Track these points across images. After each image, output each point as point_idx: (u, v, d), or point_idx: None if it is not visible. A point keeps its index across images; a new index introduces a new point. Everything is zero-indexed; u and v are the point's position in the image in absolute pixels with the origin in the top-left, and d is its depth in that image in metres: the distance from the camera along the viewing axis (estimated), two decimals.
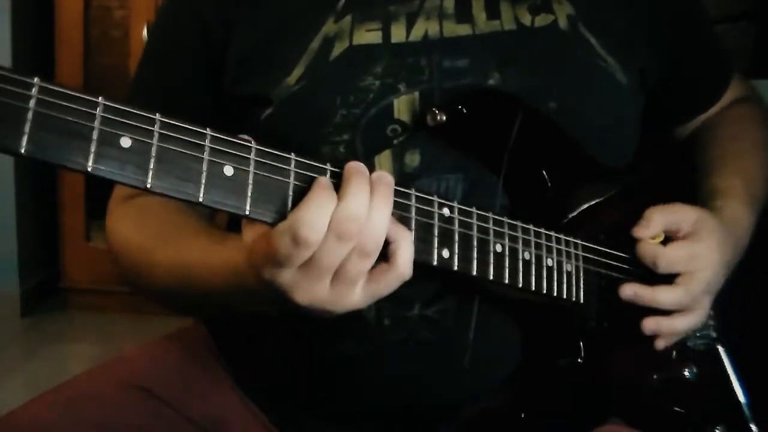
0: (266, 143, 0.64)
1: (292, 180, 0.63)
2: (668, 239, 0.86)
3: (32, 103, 0.53)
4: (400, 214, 0.68)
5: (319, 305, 0.66)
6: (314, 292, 0.65)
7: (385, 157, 0.81)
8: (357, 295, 0.66)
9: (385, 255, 0.66)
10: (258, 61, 0.85)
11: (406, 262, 0.66)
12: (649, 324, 0.84)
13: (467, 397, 0.85)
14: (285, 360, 0.90)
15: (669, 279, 0.85)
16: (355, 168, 0.65)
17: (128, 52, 2.79)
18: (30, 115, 0.53)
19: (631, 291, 0.84)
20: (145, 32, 2.70)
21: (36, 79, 0.53)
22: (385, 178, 0.65)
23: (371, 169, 0.80)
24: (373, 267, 0.65)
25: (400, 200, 0.69)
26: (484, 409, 0.85)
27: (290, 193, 0.63)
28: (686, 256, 0.84)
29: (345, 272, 0.64)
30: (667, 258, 0.84)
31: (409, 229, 0.69)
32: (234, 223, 0.97)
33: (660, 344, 0.86)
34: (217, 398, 0.93)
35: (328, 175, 0.64)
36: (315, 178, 0.64)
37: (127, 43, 2.81)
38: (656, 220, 0.85)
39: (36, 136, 0.53)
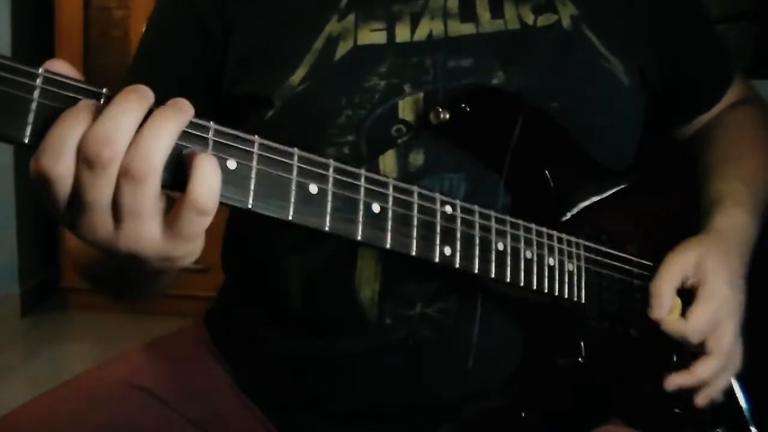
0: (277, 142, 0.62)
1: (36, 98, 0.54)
2: (681, 292, 0.86)
3: (36, 93, 0.53)
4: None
5: (114, 245, 0.57)
6: (96, 229, 0.56)
7: (389, 157, 0.81)
8: (156, 233, 0.57)
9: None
10: (259, 60, 0.85)
11: (203, 191, 0.55)
12: (702, 400, 0.87)
13: (468, 396, 0.85)
14: (285, 359, 0.90)
15: (688, 297, 0.86)
16: (129, 87, 0.55)
17: (128, 52, 2.79)
18: (34, 105, 0.53)
19: (675, 384, 0.86)
20: (148, 20, 2.70)
21: (41, 69, 0.53)
22: (178, 101, 0.56)
23: (375, 169, 0.80)
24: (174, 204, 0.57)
25: (403, 196, 0.67)
26: (484, 408, 0.85)
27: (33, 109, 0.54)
28: (709, 319, 0.85)
29: (120, 204, 0.55)
30: (694, 331, 0.85)
31: (410, 226, 0.68)
32: (234, 219, 0.97)
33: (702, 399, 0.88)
34: (217, 398, 0.93)
35: (101, 100, 0.55)
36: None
37: (127, 43, 2.81)
38: (665, 293, 0.85)
39: (39, 126, 0.53)
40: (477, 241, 0.73)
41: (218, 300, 1.03)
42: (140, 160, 0.53)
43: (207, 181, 0.55)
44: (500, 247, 0.75)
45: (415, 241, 0.69)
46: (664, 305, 0.85)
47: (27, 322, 2.87)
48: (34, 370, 2.53)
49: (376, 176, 0.67)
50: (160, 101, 0.57)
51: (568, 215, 0.84)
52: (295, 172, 0.62)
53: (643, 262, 0.88)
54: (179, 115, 0.55)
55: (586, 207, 0.86)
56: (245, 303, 0.96)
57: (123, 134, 0.53)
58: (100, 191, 0.54)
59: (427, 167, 0.81)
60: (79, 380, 0.92)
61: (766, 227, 0.93)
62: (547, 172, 0.83)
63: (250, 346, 0.93)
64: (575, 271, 0.82)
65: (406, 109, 0.82)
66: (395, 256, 0.70)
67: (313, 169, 0.64)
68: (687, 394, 0.87)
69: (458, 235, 0.72)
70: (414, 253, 0.69)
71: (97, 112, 0.54)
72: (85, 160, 0.53)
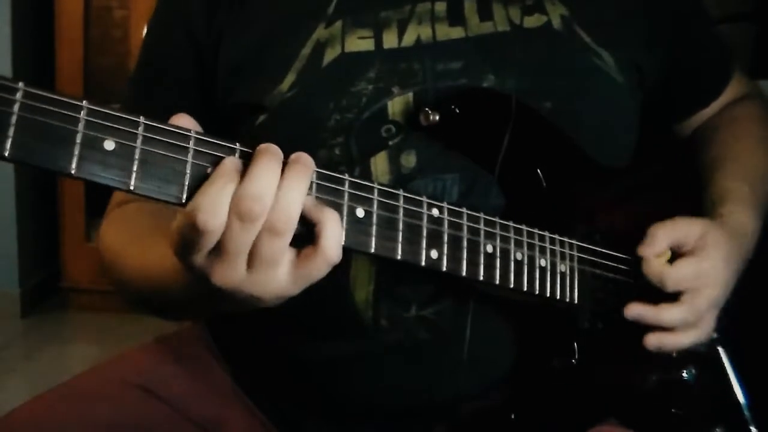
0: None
1: (190, 159, 0.61)
2: (674, 254, 0.85)
3: (16, 107, 0.53)
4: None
5: (240, 289, 0.63)
6: (230, 276, 0.62)
7: (380, 159, 0.81)
8: (282, 279, 0.63)
9: (312, 237, 0.63)
10: (249, 68, 0.85)
11: (332, 244, 0.62)
12: (652, 341, 0.85)
13: (463, 397, 0.85)
14: (283, 360, 0.90)
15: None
16: (264, 147, 0.62)
17: (128, 52, 2.79)
18: (14, 119, 0.53)
19: (635, 312, 0.84)
20: (144, 33, 2.70)
21: (20, 84, 0.54)
22: (302, 158, 0.63)
23: (367, 170, 0.80)
24: (301, 251, 0.63)
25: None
26: (479, 409, 0.85)
27: (188, 173, 0.61)
28: (692, 274, 0.84)
29: (258, 254, 0.61)
30: (674, 277, 0.83)
31: (395, 230, 0.68)
32: None
33: (662, 353, 0.86)
34: (216, 398, 0.93)
35: (237, 155, 0.62)
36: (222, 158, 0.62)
37: (127, 43, 2.81)
38: (661, 237, 0.84)
39: (20, 139, 0.54)
40: (465, 243, 0.73)
41: None
42: (279, 215, 0.60)
43: (336, 234, 0.63)
44: (489, 249, 0.75)
45: (400, 245, 0.69)
46: (655, 245, 0.84)
47: (27, 322, 2.87)
48: (34, 370, 2.53)
49: (360, 181, 0.67)
50: (160, 113, 0.60)
51: (562, 215, 0.84)
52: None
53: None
54: (307, 171, 0.62)
55: (580, 207, 0.86)
56: None
57: (270, 192, 0.60)
58: (245, 242, 0.60)
59: (420, 168, 0.81)
60: (79, 380, 0.93)
61: (766, 227, 0.93)
62: (539, 171, 0.83)
63: (250, 346, 0.94)
64: (568, 272, 0.82)
65: (395, 110, 0.81)
66: (386, 261, 0.70)
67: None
68: (685, 395, 0.87)
69: (445, 238, 0.72)
70: (399, 257, 0.69)
71: (243, 171, 0.60)
72: (238, 214, 0.59)
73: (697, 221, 0.86)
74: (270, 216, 0.60)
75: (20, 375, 2.50)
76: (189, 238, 0.60)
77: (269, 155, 0.61)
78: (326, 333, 0.85)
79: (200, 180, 0.60)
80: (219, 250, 0.61)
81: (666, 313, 0.84)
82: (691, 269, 0.84)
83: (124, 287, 0.85)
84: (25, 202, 2.90)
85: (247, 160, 0.61)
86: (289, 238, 0.61)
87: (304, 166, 0.62)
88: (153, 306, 0.83)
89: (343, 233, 0.64)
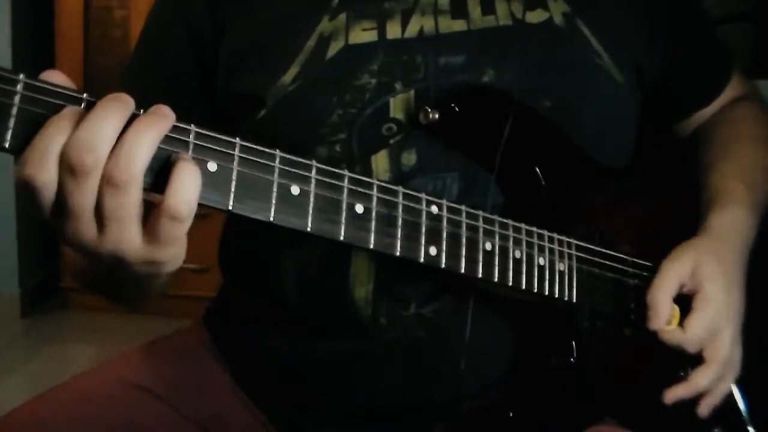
0: (262, 144, 0.63)
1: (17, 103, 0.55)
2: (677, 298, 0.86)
3: (17, 99, 0.54)
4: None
5: (94, 248, 0.58)
6: (80, 234, 0.57)
7: (381, 157, 0.81)
8: (134, 238, 0.57)
9: None
10: (252, 60, 0.85)
11: (177, 196, 0.56)
12: (704, 410, 0.88)
13: (462, 395, 0.85)
14: (282, 359, 0.90)
15: (686, 302, 0.86)
16: (110, 95, 0.56)
17: (128, 52, 2.78)
18: (14, 110, 0.54)
19: (674, 396, 0.86)
20: (143, 25, 2.70)
21: (21, 75, 0.54)
22: (159, 108, 0.57)
23: (368, 168, 0.80)
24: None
25: (387, 196, 0.67)
26: (477, 408, 0.85)
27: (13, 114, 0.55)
28: (706, 328, 0.85)
29: (103, 208, 0.56)
30: (693, 342, 0.85)
31: (394, 226, 0.69)
32: (229, 231, 0.97)
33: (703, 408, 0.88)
34: (216, 398, 0.93)
35: (83, 105, 0.56)
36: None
37: (127, 43, 2.81)
38: (662, 304, 0.85)
39: (20, 131, 0.54)
40: (464, 240, 0.73)
41: (217, 300, 1.03)
42: (121, 167, 0.54)
43: (183, 188, 0.56)
44: (488, 246, 0.75)
45: (399, 242, 0.69)
46: (662, 316, 0.84)
47: (27, 322, 2.87)
48: (34, 370, 2.53)
49: (359, 177, 0.67)
50: (153, 104, 0.58)
51: (561, 214, 0.84)
52: (276, 174, 0.63)
53: (639, 261, 0.88)
54: (160, 121, 0.56)
55: (580, 205, 0.86)
56: (243, 303, 0.96)
57: (104, 141, 0.54)
58: (84, 197, 0.55)
59: (420, 167, 0.81)
60: (79, 380, 0.93)
61: (765, 227, 0.93)
62: (538, 170, 0.83)
63: (249, 345, 0.94)
64: (566, 270, 0.82)
65: (396, 108, 0.82)
66: (384, 257, 0.70)
67: (295, 170, 0.64)
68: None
69: (444, 234, 0.72)
70: (398, 253, 0.69)
71: (80, 120, 0.54)
72: (68, 167, 0.54)
73: (682, 257, 0.86)
74: (107, 168, 0.54)
75: (20, 375, 2.50)
76: (25, 195, 0.55)
77: (110, 101, 0.55)
78: (326, 332, 0.86)
79: (31, 125, 0.55)
80: (60, 208, 0.56)
81: (700, 380, 0.86)
82: (702, 325, 0.85)
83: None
84: (25, 202, 2.89)
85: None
86: (134, 192, 0.55)
87: (157, 116, 0.56)
88: (93, 289, 0.83)
89: (198, 188, 0.57)
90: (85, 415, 0.86)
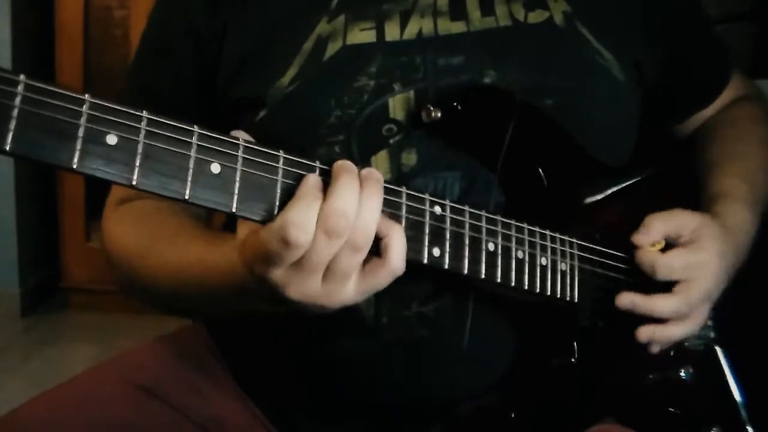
0: (261, 144, 0.63)
1: (280, 178, 0.64)
2: (669, 246, 0.85)
3: (18, 100, 0.53)
4: (391, 212, 0.68)
5: (312, 300, 0.66)
6: (306, 288, 0.65)
7: (381, 157, 0.81)
8: (350, 290, 0.67)
9: (377, 249, 0.66)
10: (252, 62, 0.85)
11: (398, 256, 0.66)
12: (644, 332, 0.84)
13: (463, 395, 0.85)
14: (283, 359, 0.90)
15: (668, 285, 0.84)
16: (344, 165, 0.65)
17: (128, 52, 2.79)
18: (15, 112, 0.53)
19: (628, 300, 0.83)
20: (144, 28, 2.70)
21: (22, 77, 0.54)
22: (374, 175, 0.66)
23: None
24: (366, 262, 0.66)
25: (391, 198, 0.68)
26: (478, 407, 0.85)
27: (278, 191, 0.64)
28: (685, 264, 0.84)
29: (336, 268, 0.65)
30: (666, 266, 0.83)
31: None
32: (230, 225, 0.97)
33: (655, 349, 0.86)
34: (217, 398, 0.93)
35: (317, 173, 0.65)
36: (303, 175, 0.64)
37: (127, 43, 2.81)
38: (656, 227, 0.84)
39: (21, 133, 0.54)
40: (467, 241, 0.73)
41: None
42: (360, 232, 0.64)
43: (401, 247, 0.66)
44: (491, 247, 0.75)
45: None
46: (650, 235, 0.84)
47: (27, 322, 2.87)
48: (34, 370, 2.52)
49: None
50: (159, 109, 0.59)
51: (563, 214, 0.84)
52: (280, 175, 0.64)
53: None
54: (380, 187, 0.66)
55: (581, 205, 0.86)
56: None
57: (353, 208, 0.63)
58: (327, 257, 0.64)
59: (421, 167, 0.81)
60: (79, 380, 0.93)
61: (766, 227, 0.93)
62: (540, 170, 0.83)
63: (250, 345, 0.94)
64: (568, 270, 0.82)
65: (396, 108, 0.82)
66: None
67: (298, 171, 0.64)
68: (682, 394, 0.87)
69: (448, 235, 0.72)
70: None
71: (325, 187, 0.64)
72: (325, 230, 0.62)
73: (693, 214, 0.86)
74: (352, 232, 0.63)
75: (20, 375, 2.50)
76: (276, 251, 0.62)
77: (349, 173, 0.64)
78: (327, 331, 0.86)
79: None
80: (300, 264, 0.63)
81: (658, 303, 0.83)
82: (684, 259, 0.84)
83: (144, 287, 0.86)
84: (25, 202, 2.90)
85: (326, 178, 0.65)
86: (365, 253, 0.65)
87: (377, 182, 0.66)
88: (181, 305, 0.85)
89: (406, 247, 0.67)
90: (85, 415, 0.86)
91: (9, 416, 0.85)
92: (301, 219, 0.62)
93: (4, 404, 0.90)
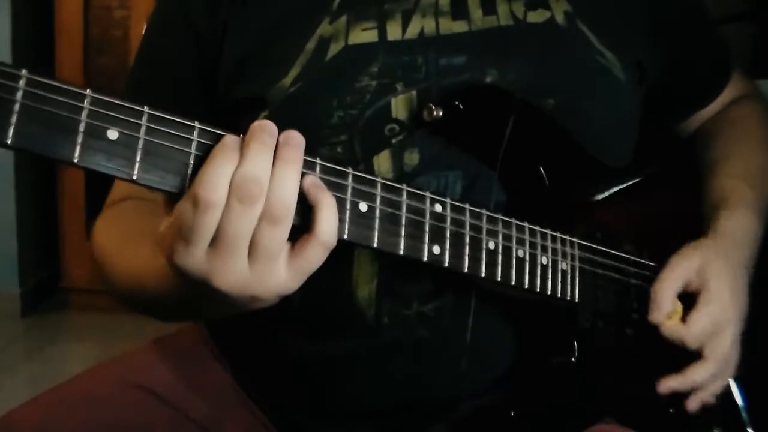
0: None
1: (193, 150, 0.61)
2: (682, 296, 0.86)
3: (19, 95, 0.54)
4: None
5: (242, 290, 0.61)
6: (232, 273, 0.60)
7: (383, 157, 0.81)
8: (281, 273, 0.62)
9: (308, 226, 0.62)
10: (252, 62, 0.85)
11: (327, 227, 0.61)
12: (693, 405, 0.87)
13: (463, 394, 0.85)
14: (284, 359, 0.90)
15: (690, 302, 0.86)
16: (260, 126, 0.61)
17: (128, 52, 2.79)
18: (17, 107, 0.54)
19: (668, 388, 0.86)
20: (145, 28, 2.70)
21: (24, 71, 0.54)
22: (292, 139, 0.61)
23: (370, 169, 0.80)
24: (297, 241, 0.62)
25: (391, 195, 0.68)
26: (479, 407, 0.85)
27: (191, 162, 0.61)
28: (708, 325, 0.85)
29: (259, 244, 0.60)
30: (694, 337, 0.85)
31: (398, 225, 0.68)
32: None
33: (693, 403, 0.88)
34: (216, 398, 0.93)
35: (239, 137, 0.61)
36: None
37: (127, 43, 2.81)
38: (665, 297, 0.85)
39: (22, 127, 0.54)
40: (467, 240, 0.73)
41: None
42: (276, 200, 0.59)
43: (332, 217, 0.61)
44: (491, 246, 0.75)
45: (402, 240, 0.69)
46: (663, 309, 0.84)
47: (27, 322, 2.87)
48: (34, 370, 2.53)
49: (364, 175, 0.67)
50: (161, 107, 0.59)
51: (564, 213, 0.84)
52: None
53: (641, 261, 0.88)
54: (297, 153, 0.61)
55: (582, 205, 0.86)
56: None
57: (265, 174, 0.59)
58: (245, 228, 0.59)
59: (423, 166, 0.81)
60: (79, 380, 0.93)
61: (767, 229, 0.93)
62: (541, 169, 0.83)
63: (250, 345, 0.94)
64: (569, 270, 0.82)
65: (399, 109, 0.81)
66: (387, 256, 0.70)
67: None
68: (683, 395, 0.87)
69: (448, 234, 0.72)
70: (402, 252, 0.69)
71: (241, 148, 0.59)
72: (238, 196, 0.58)
73: (690, 254, 0.86)
74: (268, 201, 0.59)
75: (20, 375, 2.50)
76: (188, 222, 0.58)
77: (264, 134, 0.60)
78: (328, 331, 0.86)
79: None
80: (218, 241, 0.59)
81: (696, 375, 0.86)
82: (705, 322, 0.85)
83: (114, 287, 0.85)
84: (25, 202, 2.90)
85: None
86: (287, 226, 0.60)
87: (295, 146, 0.61)
88: (142, 307, 0.82)
89: (338, 217, 0.63)
90: (85, 415, 0.86)
91: (8, 416, 0.85)
92: (211, 179, 0.58)
93: (4, 404, 0.90)
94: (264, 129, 0.61)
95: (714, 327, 0.85)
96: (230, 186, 0.58)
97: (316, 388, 0.89)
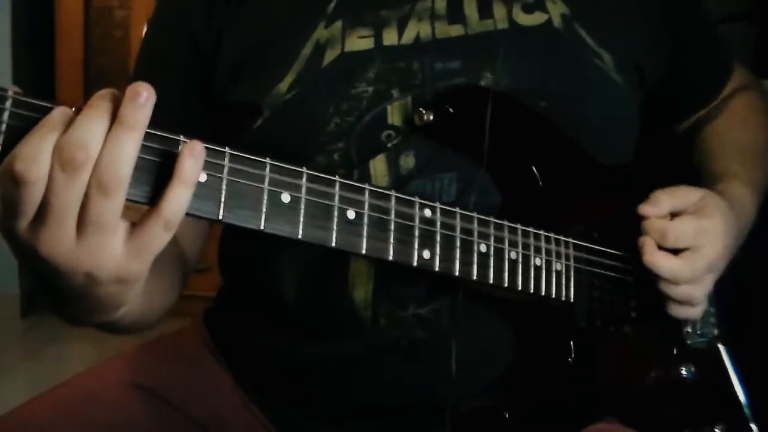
0: (257, 152, 0.63)
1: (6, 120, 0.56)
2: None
3: (5, 116, 0.54)
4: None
5: (70, 261, 0.56)
6: (59, 243, 0.55)
7: (379, 161, 0.81)
8: (117, 249, 0.57)
9: None
10: (249, 68, 0.85)
11: (174, 205, 0.56)
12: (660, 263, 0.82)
13: (460, 396, 0.85)
14: (281, 359, 0.90)
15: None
16: (100, 93, 0.56)
17: (128, 52, 2.79)
18: (3, 127, 0.53)
19: (645, 210, 0.83)
20: (144, 32, 2.71)
21: (10, 91, 0.53)
22: (138, 96, 0.55)
23: (366, 173, 0.80)
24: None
25: (379, 202, 0.67)
26: (475, 408, 0.85)
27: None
28: (693, 230, 0.83)
29: (88, 215, 0.55)
30: (675, 231, 0.82)
31: (386, 230, 0.68)
32: (228, 231, 0.97)
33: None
34: (216, 398, 0.94)
35: (73, 110, 0.56)
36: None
37: (127, 43, 2.81)
38: (663, 200, 0.84)
39: (8, 146, 0.54)
40: (458, 243, 0.73)
41: (217, 300, 1.03)
42: (107, 167, 0.54)
43: (182, 194, 0.56)
44: (483, 249, 0.75)
45: (391, 246, 0.69)
46: (658, 206, 0.83)
47: (27, 322, 2.87)
48: (34, 370, 2.53)
49: (351, 182, 0.67)
50: (160, 112, 0.58)
51: (559, 213, 0.84)
52: (266, 182, 0.63)
53: (636, 259, 0.88)
54: (140, 120, 0.55)
55: (577, 204, 0.86)
56: (242, 303, 0.96)
57: (96, 141, 0.54)
58: (71, 198, 0.54)
59: (419, 169, 0.81)
60: (79, 380, 0.93)
61: (765, 226, 0.93)
62: (534, 169, 0.83)
63: (249, 345, 0.94)
64: (563, 270, 0.82)
65: (394, 115, 0.81)
66: (379, 261, 0.70)
67: (285, 178, 0.64)
68: (685, 393, 0.87)
69: (438, 238, 0.72)
70: (391, 258, 0.69)
71: (71, 120, 0.54)
72: (60, 163, 0.53)
73: (697, 188, 0.86)
74: (98, 168, 0.54)
75: (20, 375, 2.50)
76: (8, 197, 0.54)
77: (100, 99, 0.55)
78: (325, 333, 0.86)
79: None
80: (44, 210, 0.54)
81: (662, 259, 0.82)
82: (691, 225, 0.83)
83: None
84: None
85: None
86: (121, 197, 0.55)
87: (136, 108, 0.55)
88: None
89: (191, 195, 0.57)
90: (85, 415, 0.86)
91: (9, 416, 0.85)
92: (30, 150, 0.53)
93: (4, 404, 0.90)
94: (101, 95, 0.56)
95: (697, 237, 0.83)
96: (53, 153, 0.53)
97: (315, 388, 0.89)
